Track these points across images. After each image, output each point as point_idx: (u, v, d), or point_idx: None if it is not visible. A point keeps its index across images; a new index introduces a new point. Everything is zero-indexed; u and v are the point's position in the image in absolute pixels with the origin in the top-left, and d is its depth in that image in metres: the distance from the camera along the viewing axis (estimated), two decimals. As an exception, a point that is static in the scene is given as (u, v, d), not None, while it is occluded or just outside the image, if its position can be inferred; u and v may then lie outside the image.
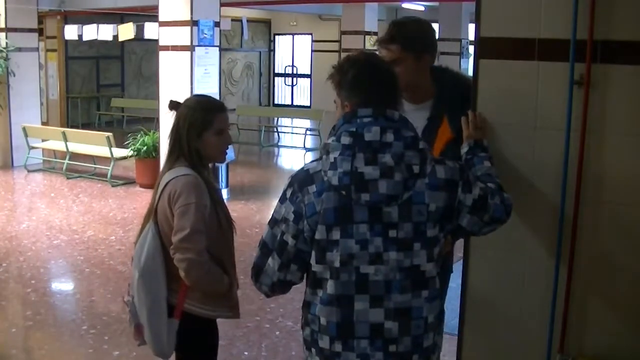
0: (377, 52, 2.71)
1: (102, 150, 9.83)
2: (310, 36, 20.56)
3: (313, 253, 2.05)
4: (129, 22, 11.37)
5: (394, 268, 2.01)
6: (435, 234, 2.04)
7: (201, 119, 2.61)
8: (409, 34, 2.74)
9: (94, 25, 11.78)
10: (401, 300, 2.02)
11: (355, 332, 2.02)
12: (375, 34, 14.79)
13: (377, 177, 1.97)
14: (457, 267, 2.97)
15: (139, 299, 2.58)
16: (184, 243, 2.47)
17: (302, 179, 2.07)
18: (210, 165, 2.76)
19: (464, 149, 2.48)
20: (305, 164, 2.12)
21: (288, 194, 2.09)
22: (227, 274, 2.64)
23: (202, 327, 2.68)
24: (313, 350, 2.11)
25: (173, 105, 2.69)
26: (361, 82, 2.10)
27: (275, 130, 15.55)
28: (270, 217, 2.16)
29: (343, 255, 2.00)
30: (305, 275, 2.13)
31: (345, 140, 2.02)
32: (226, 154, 2.76)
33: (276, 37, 21.27)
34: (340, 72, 2.13)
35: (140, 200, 8.64)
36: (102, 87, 16.72)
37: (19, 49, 10.57)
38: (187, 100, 2.71)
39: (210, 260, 2.56)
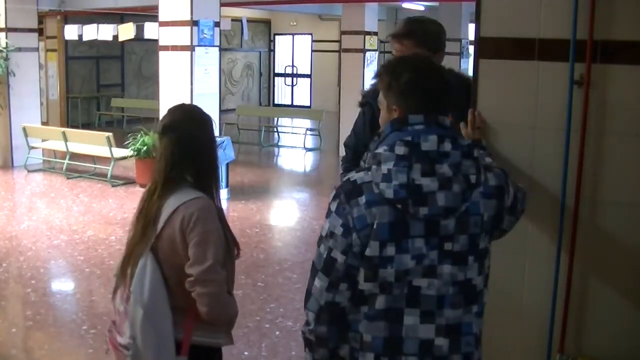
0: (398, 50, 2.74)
1: (102, 150, 9.83)
2: (310, 36, 20.56)
3: (361, 271, 1.91)
4: (129, 22, 11.38)
5: (448, 282, 1.92)
6: (485, 245, 1.98)
7: (211, 127, 2.45)
8: (424, 31, 2.81)
9: (94, 25, 11.79)
10: (453, 316, 1.94)
11: (404, 349, 1.92)
12: (375, 34, 14.76)
13: (435, 190, 1.86)
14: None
15: (144, 339, 2.30)
16: (206, 275, 2.24)
17: (349, 190, 1.92)
18: None
19: None
20: (350, 175, 1.98)
21: (333, 207, 1.94)
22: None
23: (209, 356, 2.48)
24: None
25: (167, 128, 2.38)
26: (416, 87, 1.98)
27: (275, 130, 15.55)
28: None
29: (398, 271, 1.89)
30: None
31: (400, 150, 1.89)
32: None
33: (276, 37, 21.27)
34: (393, 74, 2.02)
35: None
36: (102, 87, 16.73)
37: (19, 49, 10.57)
38: (186, 116, 2.43)
39: None
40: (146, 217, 2.37)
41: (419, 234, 1.88)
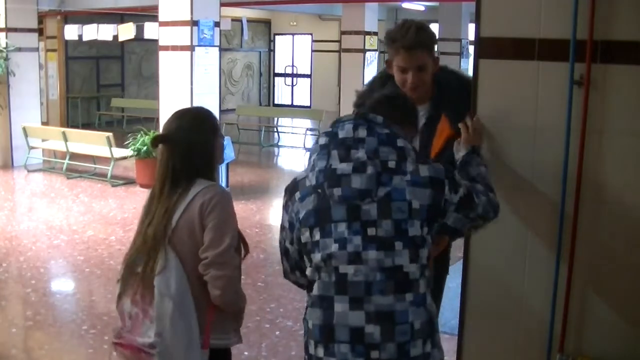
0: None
1: (102, 150, 9.83)
2: (310, 36, 20.56)
3: (305, 258, 2.07)
4: (129, 22, 11.38)
5: (374, 268, 1.94)
6: (417, 233, 1.97)
7: (210, 127, 2.45)
8: (430, 38, 2.76)
9: (94, 25, 11.78)
10: (382, 302, 1.93)
11: (336, 336, 1.96)
12: (376, 33, 14.76)
13: (349, 172, 1.97)
14: (457, 267, 2.98)
15: (174, 333, 2.27)
16: (221, 258, 2.26)
17: (291, 188, 2.13)
18: None
19: (461, 152, 2.48)
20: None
21: (283, 203, 2.16)
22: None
23: (222, 358, 2.48)
24: (306, 357, 2.10)
25: (160, 139, 2.42)
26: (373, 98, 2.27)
27: (275, 130, 15.54)
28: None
29: (323, 255, 1.98)
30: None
31: (322, 140, 2.07)
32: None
33: (276, 37, 21.26)
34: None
35: (140, 200, 8.63)
36: (102, 87, 16.72)
37: (19, 49, 10.56)
38: (180, 122, 2.43)
39: None
40: (164, 214, 2.36)
41: (341, 219, 1.97)
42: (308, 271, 2.06)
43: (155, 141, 2.42)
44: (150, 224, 2.39)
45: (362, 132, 2.01)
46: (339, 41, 17.08)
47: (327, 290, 1.99)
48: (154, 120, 12.03)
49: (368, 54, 14.40)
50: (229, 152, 8.67)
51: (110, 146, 9.58)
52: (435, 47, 2.83)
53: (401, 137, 2.05)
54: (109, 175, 9.67)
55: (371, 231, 1.95)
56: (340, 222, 1.97)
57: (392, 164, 1.97)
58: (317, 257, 2.00)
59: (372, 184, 1.96)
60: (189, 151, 2.38)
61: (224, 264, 2.28)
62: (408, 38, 2.66)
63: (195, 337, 2.31)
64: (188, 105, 8.34)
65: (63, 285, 5.95)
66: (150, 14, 11.65)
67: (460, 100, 2.72)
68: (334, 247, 1.96)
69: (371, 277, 1.94)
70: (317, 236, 1.99)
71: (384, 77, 2.90)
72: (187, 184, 2.38)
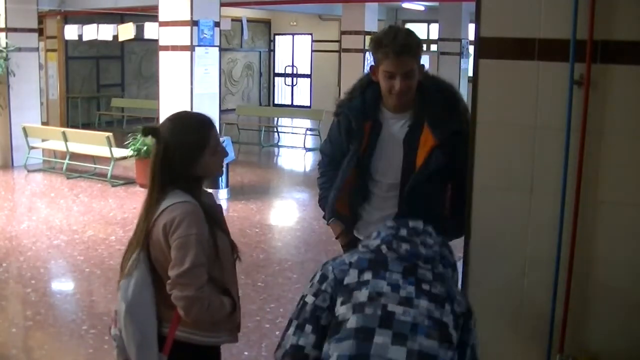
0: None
1: (102, 150, 9.83)
2: (310, 36, 20.56)
3: (338, 299, 1.96)
4: (129, 22, 11.39)
5: (424, 314, 1.89)
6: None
7: (195, 142, 2.37)
8: (418, 44, 2.72)
9: (94, 25, 11.80)
10: (427, 345, 1.84)
11: None
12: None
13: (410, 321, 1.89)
14: (458, 267, 2.97)
15: (126, 334, 2.38)
16: (182, 279, 2.27)
17: (335, 286, 2.04)
18: None
19: None
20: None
21: (315, 290, 2.06)
22: (231, 296, 2.46)
23: (205, 355, 2.49)
24: None
25: (149, 131, 2.41)
26: None
27: (275, 130, 15.54)
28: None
29: (372, 292, 1.92)
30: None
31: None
32: (223, 165, 2.57)
33: (276, 37, 21.26)
34: None
35: (140, 200, 8.59)
36: (102, 87, 16.72)
37: (19, 49, 10.56)
38: (170, 124, 2.42)
39: (211, 287, 2.35)
40: (146, 216, 2.41)
41: (397, 270, 1.98)
42: (342, 309, 1.94)
43: (146, 131, 2.43)
44: (138, 223, 2.45)
45: (410, 288, 1.95)
46: (339, 41, 17.08)
47: (370, 322, 1.88)
48: (154, 120, 12.03)
49: (368, 54, 14.38)
50: (229, 152, 8.67)
51: (110, 146, 9.58)
52: (421, 54, 2.79)
53: (450, 262, 2.08)
54: (109, 175, 9.67)
55: (425, 286, 1.95)
56: (395, 272, 1.98)
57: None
58: (361, 293, 1.93)
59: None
60: (170, 153, 2.36)
61: (185, 285, 2.27)
62: (397, 42, 2.62)
63: (150, 340, 2.36)
64: (188, 106, 8.39)
65: (63, 285, 5.95)
66: (150, 14, 11.65)
67: (438, 105, 2.71)
68: (386, 288, 1.93)
69: (419, 320, 1.88)
70: (367, 276, 1.97)
71: (364, 85, 2.85)
72: (163, 188, 2.37)
